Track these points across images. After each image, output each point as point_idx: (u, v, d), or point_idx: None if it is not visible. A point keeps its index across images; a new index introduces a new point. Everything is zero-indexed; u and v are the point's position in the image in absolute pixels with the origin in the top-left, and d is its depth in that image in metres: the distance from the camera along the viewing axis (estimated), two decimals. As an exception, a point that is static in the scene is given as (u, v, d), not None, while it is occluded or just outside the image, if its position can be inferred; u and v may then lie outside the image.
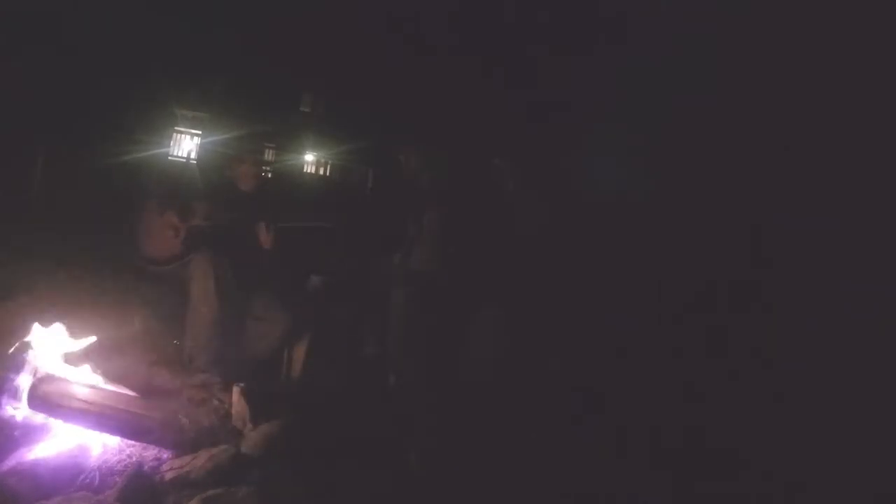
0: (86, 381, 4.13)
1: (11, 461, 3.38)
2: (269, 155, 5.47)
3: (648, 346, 4.66)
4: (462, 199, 4.83)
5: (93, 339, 4.46)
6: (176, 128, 5.48)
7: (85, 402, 3.87)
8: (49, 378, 4.01)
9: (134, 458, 3.62)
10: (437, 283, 4.63)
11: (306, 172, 5.71)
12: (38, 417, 3.77)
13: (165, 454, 3.71)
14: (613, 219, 4.92)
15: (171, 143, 5.51)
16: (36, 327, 4.36)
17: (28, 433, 3.63)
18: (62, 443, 3.64)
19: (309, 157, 5.73)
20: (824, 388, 4.31)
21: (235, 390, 4.27)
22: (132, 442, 3.76)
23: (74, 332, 4.50)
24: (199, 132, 5.55)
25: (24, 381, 3.98)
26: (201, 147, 5.59)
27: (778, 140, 5.34)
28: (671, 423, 4.23)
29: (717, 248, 5.14)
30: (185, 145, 5.55)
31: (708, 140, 5.43)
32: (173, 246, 5.01)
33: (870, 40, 5.05)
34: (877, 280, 4.66)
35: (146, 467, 3.49)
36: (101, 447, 3.69)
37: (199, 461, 3.61)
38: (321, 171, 5.76)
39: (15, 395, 3.90)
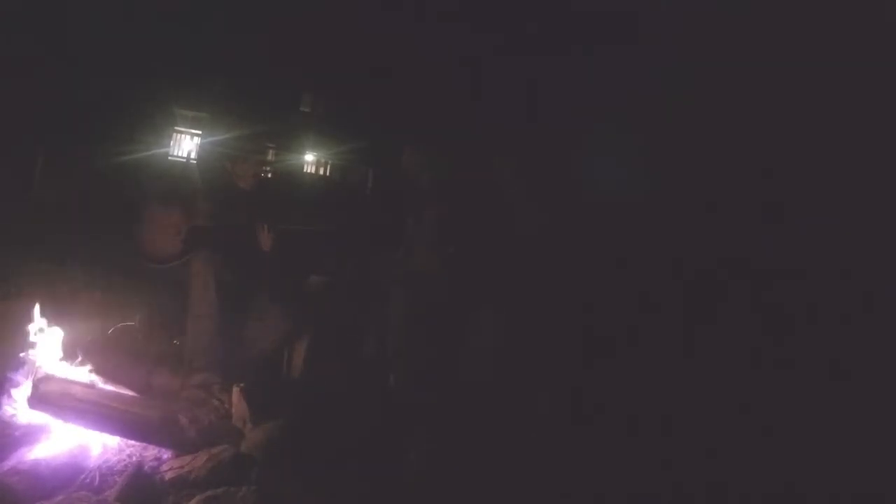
0: (86, 381, 4.14)
1: (12, 461, 3.39)
2: (268, 155, 5.47)
3: (647, 346, 4.65)
4: (462, 198, 4.82)
5: (91, 338, 4.49)
6: (176, 128, 5.47)
7: (85, 401, 3.87)
8: (49, 378, 4.02)
9: (134, 458, 3.63)
10: (436, 282, 4.63)
11: (306, 172, 5.72)
12: (39, 417, 3.78)
13: (165, 454, 3.73)
14: (613, 219, 4.92)
15: (171, 142, 5.51)
16: (37, 327, 4.38)
17: (29, 433, 3.64)
18: (62, 443, 3.65)
19: (309, 157, 5.75)
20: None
21: (235, 390, 4.28)
22: (132, 442, 3.77)
23: (75, 332, 4.52)
24: (199, 132, 5.55)
25: (24, 381, 4.00)
26: (201, 147, 5.59)
27: (778, 139, 5.33)
28: (670, 423, 4.24)
29: (719, 249, 5.12)
30: (185, 145, 5.55)
31: (708, 140, 5.42)
32: (173, 245, 5.02)
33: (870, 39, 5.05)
34: (878, 281, 4.67)
35: (146, 467, 3.50)
36: (102, 447, 3.70)
37: (199, 461, 3.62)
38: (321, 171, 5.76)
39: (15, 395, 3.92)
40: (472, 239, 4.66)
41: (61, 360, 4.30)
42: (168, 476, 3.50)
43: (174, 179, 5.56)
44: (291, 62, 5.69)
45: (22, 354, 4.16)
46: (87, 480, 3.36)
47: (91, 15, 5.26)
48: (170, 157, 5.67)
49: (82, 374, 4.24)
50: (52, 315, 4.51)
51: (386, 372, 4.71)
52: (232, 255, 4.86)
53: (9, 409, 3.82)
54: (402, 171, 5.09)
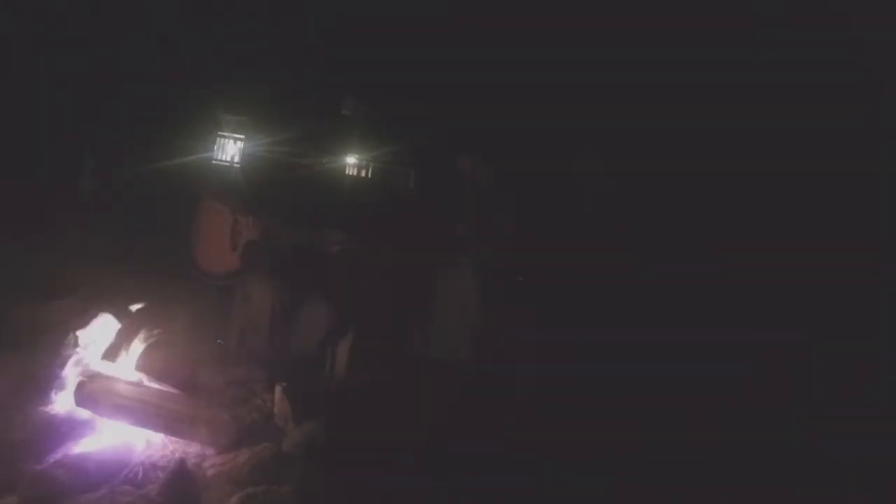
0: (131, 379, 4.18)
1: (59, 454, 3.44)
2: (314, 158, 5.49)
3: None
4: (527, 199, 4.88)
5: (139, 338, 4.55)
6: (219, 132, 5.54)
7: (129, 399, 3.91)
8: (95, 376, 4.07)
9: (177, 455, 3.64)
10: (512, 279, 4.69)
11: (348, 175, 5.71)
12: (85, 413, 3.82)
13: (208, 451, 3.72)
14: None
15: (216, 147, 5.57)
16: (86, 326, 4.45)
17: (75, 428, 3.68)
18: (107, 438, 3.69)
19: (351, 159, 5.74)
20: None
21: (278, 389, 4.26)
22: (176, 439, 3.78)
23: (122, 331, 4.57)
24: (242, 136, 5.60)
25: (72, 378, 4.06)
26: (244, 151, 5.66)
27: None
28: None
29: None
30: (229, 149, 5.60)
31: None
32: (231, 261, 5.11)
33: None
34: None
35: (189, 464, 3.49)
36: (146, 443, 3.72)
37: (241, 459, 3.61)
38: (363, 174, 5.75)
39: (63, 391, 3.98)
40: (541, 236, 4.71)
41: (109, 358, 4.35)
42: (210, 473, 3.51)
43: (223, 186, 5.61)
44: (334, 66, 5.70)
45: (71, 352, 4.22)
46: (131, 475, 3.38)
47: (136, 22, 5.39)
48: (214, 161, 5.72)
49: (128, 372, 4.28)
50: (101, 314, 4.59)
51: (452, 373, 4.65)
52: (286, 271, 4.92)
53: (57, 405, 3.87)
54: (458, 174, 5.13)
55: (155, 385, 4.20)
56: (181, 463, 3.42)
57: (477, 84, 5.55)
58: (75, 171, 5.56)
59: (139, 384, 4.14)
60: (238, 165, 5.80)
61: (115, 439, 3.66)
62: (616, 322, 4.48)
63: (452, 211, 5.20)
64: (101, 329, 4.45)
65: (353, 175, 6.00)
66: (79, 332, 4.32)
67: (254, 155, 5.67)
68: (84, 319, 4.47)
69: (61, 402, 3.88)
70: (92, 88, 5.39)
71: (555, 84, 5.46)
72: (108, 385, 3.99)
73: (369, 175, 6.02)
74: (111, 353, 4.35)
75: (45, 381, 3.91)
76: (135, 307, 4.75)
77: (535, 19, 5.54)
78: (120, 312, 4.63)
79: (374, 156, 5.97)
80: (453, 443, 3.86)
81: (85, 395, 3.90)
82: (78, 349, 4.26)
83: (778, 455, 3.98)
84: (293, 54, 5.62)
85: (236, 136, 5.76)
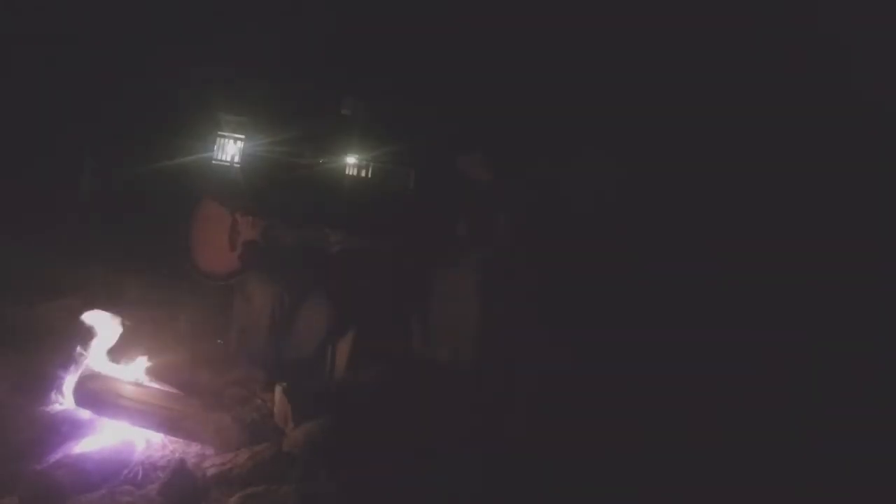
0: (131, 379, 4.19)
1: (58, 454, 3.45)
2: (314, 158, 5.49)
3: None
4: (529, 201, 4.89)
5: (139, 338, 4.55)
6: (219, 132, 5.54)
7: (130, 399, 3.91)
8: (95, 376, 4.08)
9: (177, 455, 3.65)
10: (518, 280, 4.69)
11: (348, 175, 5.71)
12: (85, 413, 3.83)
13: (208, 451, 3.72)
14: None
15: (216, 147, 5.57)
16: (86, 326, 4.45)
17: (75, 428, 3.68)
18: (107, 438, 3.69)
19: (351, 159, 5.73)
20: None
21: (278, 389, 4.26)
22: (176, 438, 3.78)
23: (123, 332, 4.58)
24: (242, 136, 5.60)
25: (72, 378, 4.06)
26: (245, 152, 5.65)
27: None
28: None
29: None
30: (229, 149, 5.60)
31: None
32: (230, 261, 5.11)
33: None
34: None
35: (189, 464, 3.50)
36: (146, 443, 3.72)
37: (241, 459, 3.61)
38: (363, 174, 5.74)
39: (63, 391, 3.98)
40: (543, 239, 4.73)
41: (109, 358, 4.36)
42: (210, 473, 3.50)
43: (223, 186, 5.61)
44: (334, 66, 5.70)
45: (72, 352, 4.22)
46: (131, 475, 3.38)
47: (136, 21, 5.39)
48: (214, 161, 5.72)
49: (128, 372, 4.29)
50: (101, 315, 4.59)
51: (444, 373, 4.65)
52: (286, 271, 4.92)
53: (57, 405, 3.87)
54: (459, 175, 5.14)
55: (155, 385, 4.20)
56: (181, 463, 3.43)
57: (477, 84, 5.55)
58: (75, 171, 5.58)
59: (139, 384, 4.14)
60: (238, 165, 5.80)
61: (115, 439, 3.66)
62: (617, 322, 4.48)
63: (452, 211, 5.19)
64: (102, 329, 4.45)
65: (353, 175, 5.99)
66: (79, 332, 4.32)
67: (254, 155, 5.66)
68: (84, 319, 4.47)
69: (61, 402, 3.88)
70: (92, 88, 5.40)
71: (555, 84, 5.45)
72: (108, 385, 3.99)
73: (369, 175, 6.01)
74: (111, 353, 4.36)
75: (45, 381, 3.91)
76: (140, 308, 4.76)
77: (534, 19, 5.54)
78: (120, 312, 4.63)
79: (374, 156, 5.96)
80: (453, 443, 3.86)
81: (85, 395, 3.90)
82: (78, 349, 4.25)
83: (778, 455, 3.97)
84: (293, 54, 5.63)
85: (236, 136, 5.76)
